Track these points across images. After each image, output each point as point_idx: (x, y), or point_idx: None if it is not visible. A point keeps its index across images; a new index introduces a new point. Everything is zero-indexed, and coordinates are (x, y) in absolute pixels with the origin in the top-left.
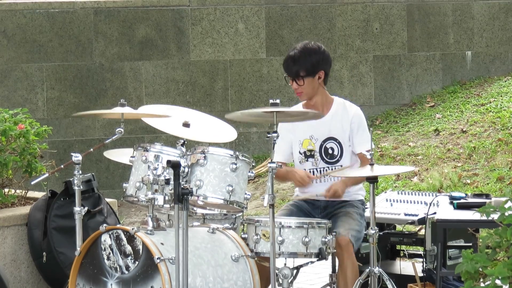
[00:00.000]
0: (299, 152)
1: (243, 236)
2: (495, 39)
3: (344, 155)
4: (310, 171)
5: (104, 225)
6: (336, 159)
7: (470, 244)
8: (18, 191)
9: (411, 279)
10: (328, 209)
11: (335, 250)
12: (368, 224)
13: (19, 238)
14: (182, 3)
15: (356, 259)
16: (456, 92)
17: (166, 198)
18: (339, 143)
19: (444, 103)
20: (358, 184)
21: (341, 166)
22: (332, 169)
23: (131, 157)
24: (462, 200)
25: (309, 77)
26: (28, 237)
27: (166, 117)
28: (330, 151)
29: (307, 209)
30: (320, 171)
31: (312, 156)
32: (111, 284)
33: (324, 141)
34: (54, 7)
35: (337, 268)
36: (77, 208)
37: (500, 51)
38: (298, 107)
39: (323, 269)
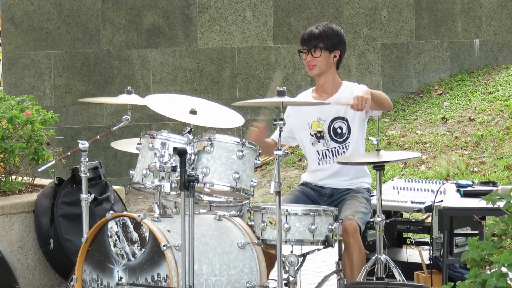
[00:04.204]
0: (310, 134)
1: (249, 223)
2: (503, 27)
3: (352, 132)
4: (322, 152)
5: (111, 212)
6: (345, 137)
7: (477, 232)
8: (25, 178)
9: (417, 266)
10: (334, 196)
11: (341, 238)
12: (374, 212)
13: (26, 225)
14: None
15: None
16: (464, 80)
17: (173, 185)
18: (346, 120)
19: (452, 91)
20: (384, 103)
21: (350, 143)
22: (342, 147)
23: (138, 144)
24: (469, 188)
25: (326, 52)
26: (35, 224)
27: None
28: (339, 130)
29: (313, 196)
30: (332, 151)
31: (322, 137)
32: (118, 271)
33: (332, 121)
34: None
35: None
36: (83, 195)
37: (508, 39)
38: (308, 93)
39: (330, 256)
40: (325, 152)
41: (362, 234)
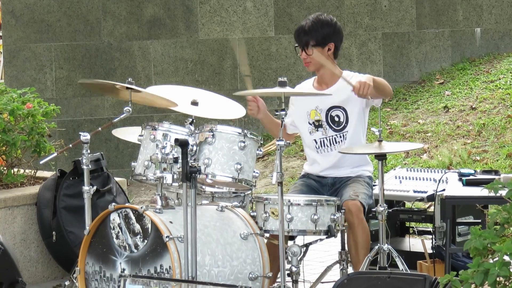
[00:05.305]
0: (309, 123)
1: (252, 214)
2: (504, 15)
3: (350, 121)
4: (320, 141)
5: (113, 204)
6: (342, 126)
7: (479, 220)
8: (27, 170)
9: (420, 256)
10: (336, 185)
11: (344, 228)
12: (377, 201)
13: (28, 218)
14: None
15: None
16: (466, 69)
17: (175, 176)
18: (344, 109)
19: (453, 80)
20: (385, 90)
21: (347, 132)
22: (340, 136)
23: (140, 136)
24: (471, 177)
25: (318, 47)
26: (37, 216)
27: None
28: (336, 119)
29: (316, 186)
30: (330, 139)
31: (321, 125)
32: (120, 263)
33: (329, 110)
34: None
35: (346, 242)
36: (86, 187)
37: (510, 27)
38: (309, 83)
39: (333, 246)
40: (323, 141)
41: None
